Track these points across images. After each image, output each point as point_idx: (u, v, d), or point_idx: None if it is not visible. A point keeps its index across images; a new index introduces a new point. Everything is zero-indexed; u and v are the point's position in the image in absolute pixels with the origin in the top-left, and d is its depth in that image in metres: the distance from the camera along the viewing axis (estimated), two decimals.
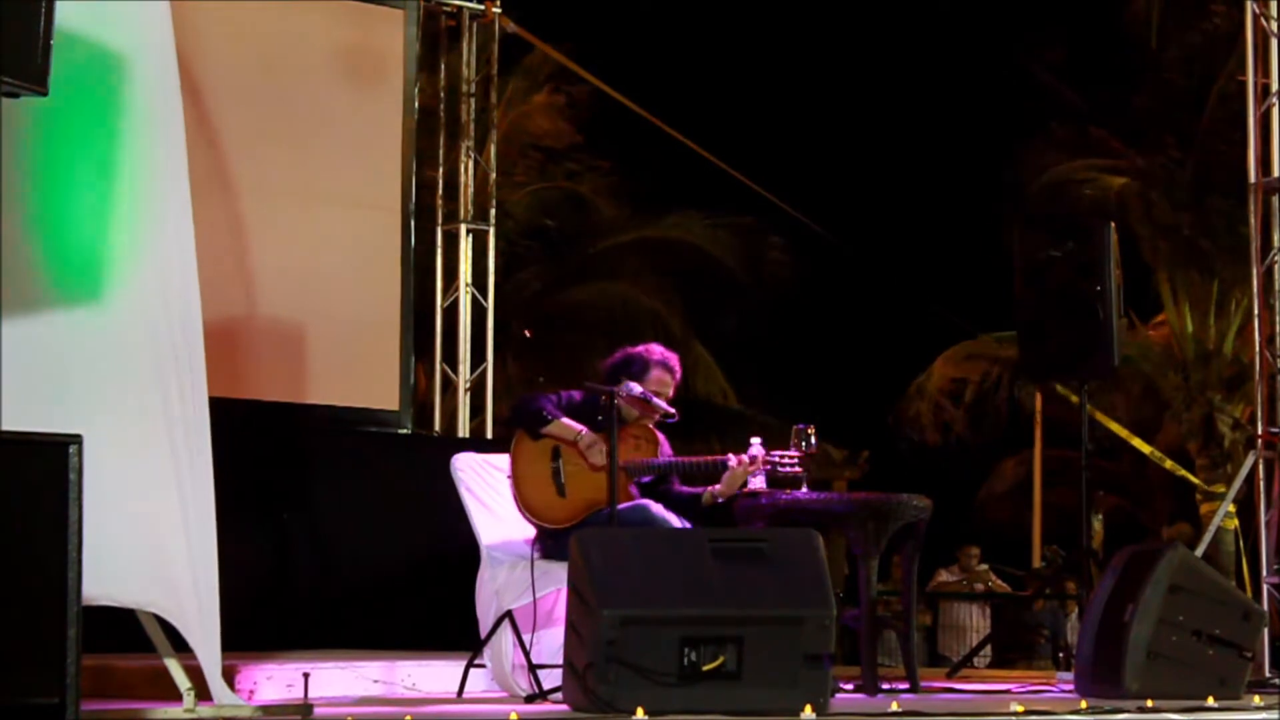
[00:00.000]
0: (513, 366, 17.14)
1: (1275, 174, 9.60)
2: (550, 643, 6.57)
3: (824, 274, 17.78)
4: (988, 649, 13.18)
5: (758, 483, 6.96)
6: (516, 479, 6.84)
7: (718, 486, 6.95)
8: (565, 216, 18.24)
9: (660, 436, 6.97)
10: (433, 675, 7.14)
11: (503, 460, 7.00)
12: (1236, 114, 11.24)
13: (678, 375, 7.01)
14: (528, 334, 17.28)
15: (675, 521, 6.71)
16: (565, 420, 6.82)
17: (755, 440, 6.96)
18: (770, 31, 22.19)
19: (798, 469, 6.87)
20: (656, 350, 7.04)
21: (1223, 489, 14.99)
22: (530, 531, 6.89)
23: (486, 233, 10.87)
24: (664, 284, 18.32)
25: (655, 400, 6.86)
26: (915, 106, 20.93)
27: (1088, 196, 17.14)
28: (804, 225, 12.28)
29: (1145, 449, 13.67)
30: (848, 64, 21.10)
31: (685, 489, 7.01)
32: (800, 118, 21.59)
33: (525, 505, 6.82)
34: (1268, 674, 8.53)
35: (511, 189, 16.92)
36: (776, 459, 6.85)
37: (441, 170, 11.19)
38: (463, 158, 10.91)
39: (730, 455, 6.91)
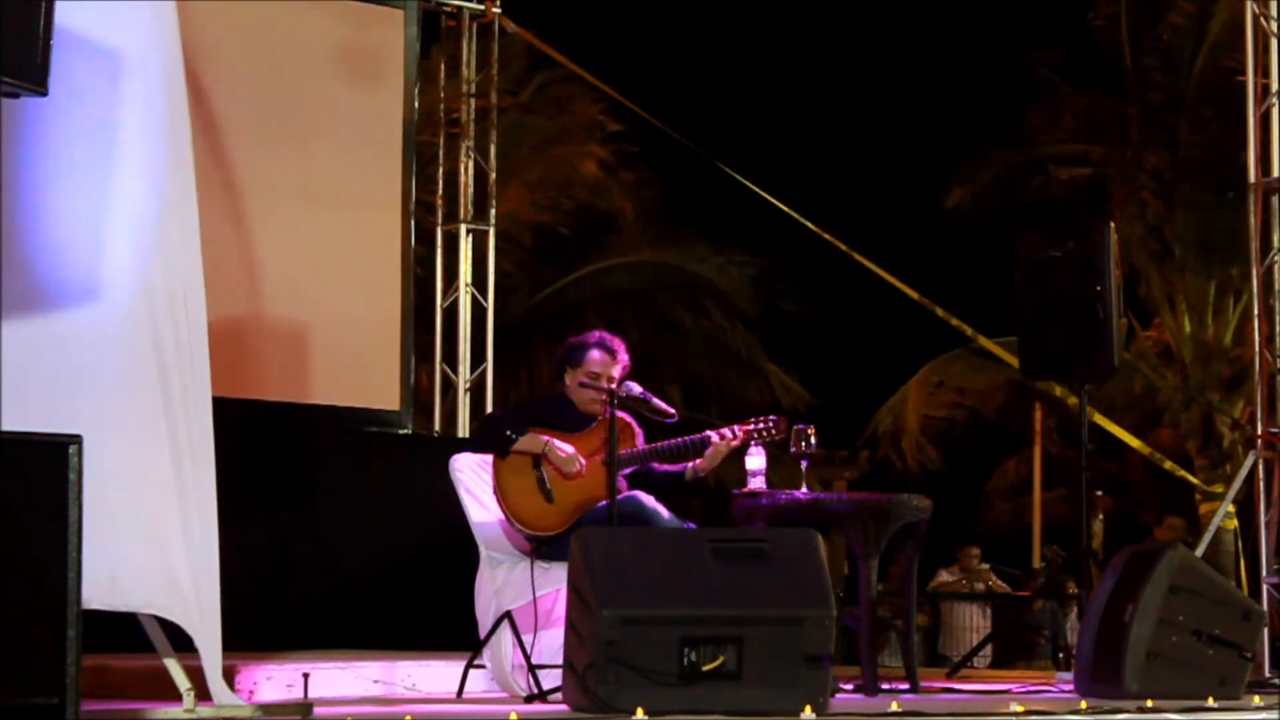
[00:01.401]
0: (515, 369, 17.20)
1: (1275, 174, 9.60)
2: (550, 643, 6.56)
3: (835, 281, 17.82)
4: (988, 649, 13.19)
5: (757, 483, 6.96)
6: (503, 492, 6.82)
7: (699, 462, 6.93)
8: (576, 226, 18.29)
9: (636, 427, 6.95)
10: (433, 675, 7.14)
11: None
12: (1231, 112, 11.25)
13: (620, 356, 6.97)
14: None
15: (665, 512, 6.69)
16: (530, 434, 6.81)
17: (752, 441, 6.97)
18: (770, 34, 22.20)
19: (773, 435, 6.85)
20: (594, 334, 7.04)
21: (1222, 489, 14.99)
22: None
23: (486, 233, 10.87)
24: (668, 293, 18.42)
25: (655, 401, 6.86)
26: (916, 106, 20.93)
27: (1085, 198, 17.15)
28: (810, 239, 12.27)
29: (1144, 449, 13.65)
30: (845, 67, 21.11)
31: (667, 467, 7.00)
32: (800, 120, 21.61)
33: (516, 517, 6.80)
34: (1268, 674, 8.54)
35: (520, 193, 16.96)
36: (755, 425, 6.84)
37: (441, 170, 11.19)
38: (463, 158, 10.91)
39: (711, 432, 6.90)
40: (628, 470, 6.90)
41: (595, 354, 6.93)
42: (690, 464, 6.98)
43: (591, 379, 6.86)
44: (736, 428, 6.90)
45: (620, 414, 6.89)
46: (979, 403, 19.13)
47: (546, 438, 6.80)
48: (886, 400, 19.41)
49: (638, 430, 6.95)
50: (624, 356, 6.97)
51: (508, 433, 6.81)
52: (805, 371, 19.30)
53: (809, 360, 19.53)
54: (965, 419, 19.21)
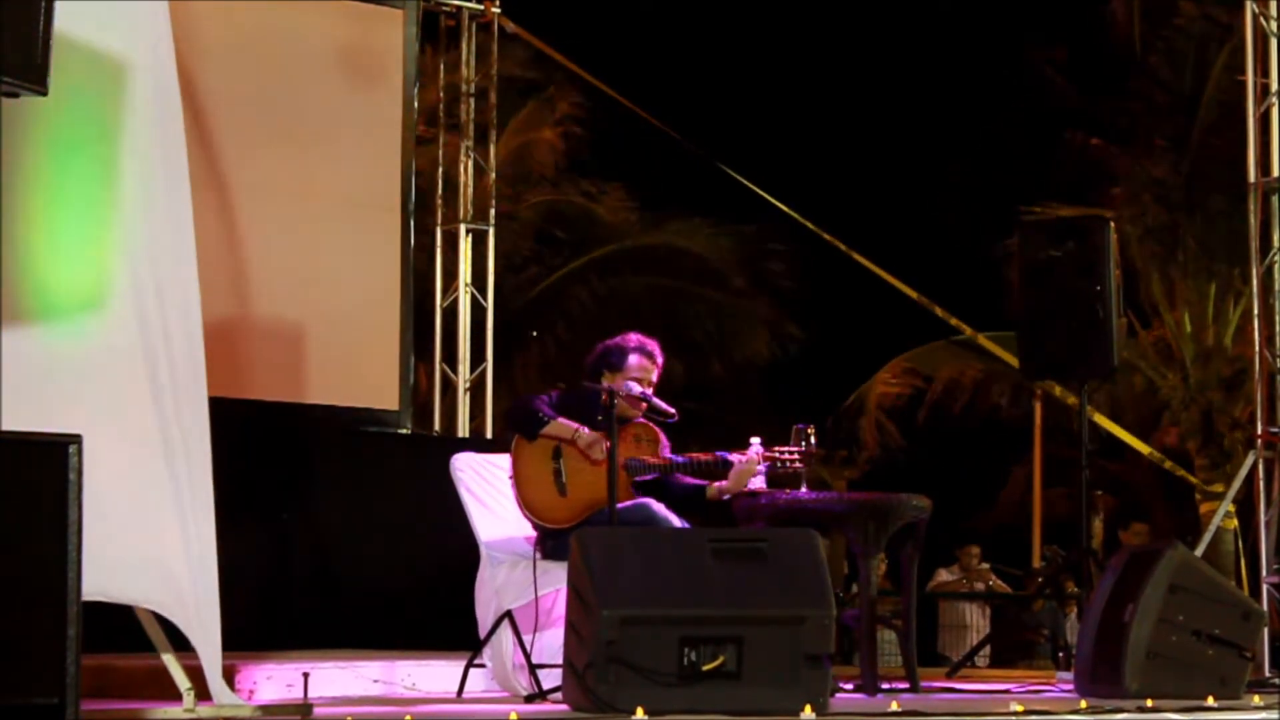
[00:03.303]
0: (515, 367, 17.19)
1: (1275, 174, 9.60)
2: (551, 642, 6.57)
3: (825, 278, 17.81)
4: (987, 649, 13.18)
5: (757, 483, 6.96)
6: (518, 479, 6.83)
7: (724, 483, 6.92)
8: (568, 221, 18.28)
9: (661, 434, 6.96)
10: (433, 675, 7.14)
11: (503, 460, 7.01)
12: (1230, 112, 11.24)
13: (659, 359, 6.98)
14: (534, 334, 17.34)
15: (676, 521, 6.70)
16: (561, 420, 6.82)
17: (755, 440, 6.95)
18: (769, 32, 22.20)
19: (799, 465, 6.86)
20: (633, 337, 7.02)
21: (1222, 489, 14.98)
22: (530, 531, 6.89)
23: (486, 233, 10.87)
24: (665, 288, 18.41)
25: (656, 400, 6.86)
26: (916, 106, 20.94)
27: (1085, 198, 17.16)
28: (804, 230, 12.28)
29: (1144, 449, 13.66)
30: (847, 65, 21.11)
31: (689, 481, 6.99)
32: (800, 120, 21.60)
33: (527, 506, 6.81)
34: (1268, 674, 8.54)
35: (515, 192, 16.95)
36: (778, 454, 6.84)
37: (441, 170, 11.19)
38: (462, 158, 10.91)
39: (733, 453, 6.90)
40: (646, 478, 6.90)
41: (635, 359, 6.93)
42: (713, 483, 6.97)
43: (634, 382, 6.84)
44: (759, 452, 6.88)
45: (646, 421, 6.90)
46: (956, 393, 19.06)
47: (578, 425, 6.79)
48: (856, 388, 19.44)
49: (663, 440, 6.94)
50: (661, 359, 6.98)
51: (540, 415, 6.80)
52: (795, 361, 19.34)
53: (802, 355, 19.57)
54: (929, 400, 19.12)
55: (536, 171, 18.05)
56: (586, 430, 6.78)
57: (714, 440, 7.41)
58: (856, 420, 19.00)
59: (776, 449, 6.87)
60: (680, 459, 6.89)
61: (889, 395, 19.09)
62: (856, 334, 19.97)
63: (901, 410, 19.11)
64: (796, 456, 6.84)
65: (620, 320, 15.24)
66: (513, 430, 6.94)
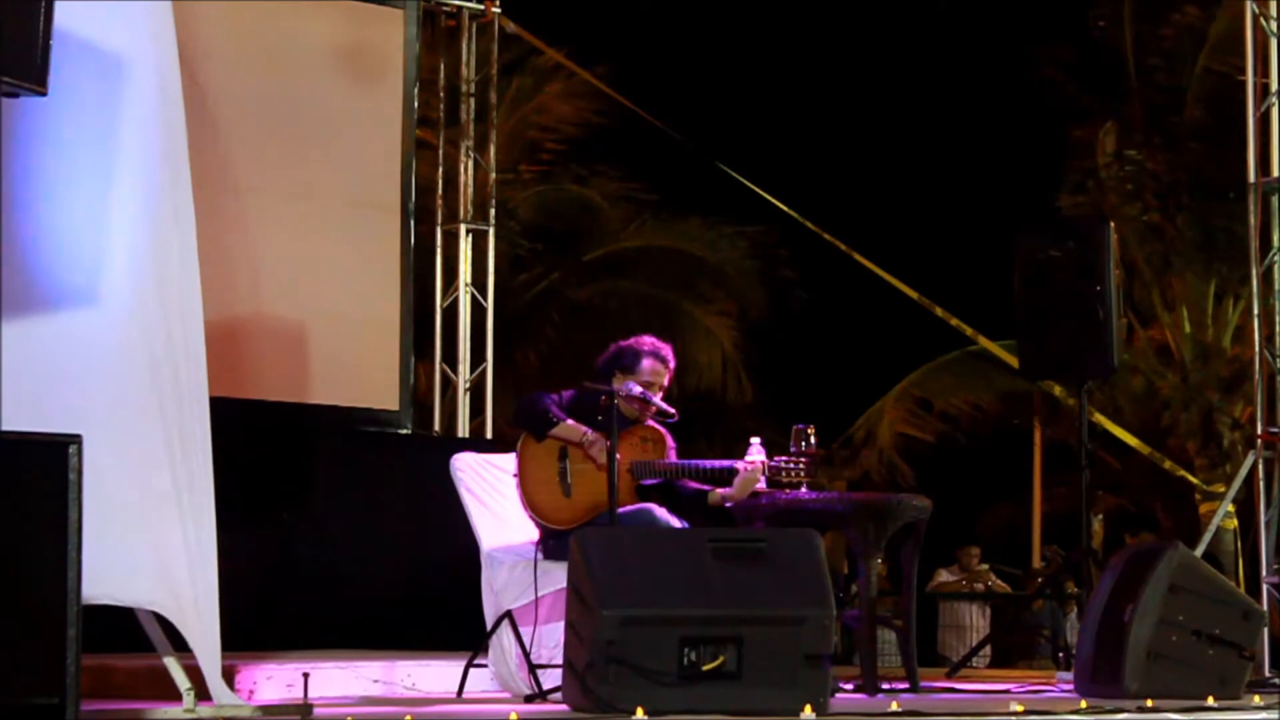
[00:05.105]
0: (515, 367, 17.18)
1: (1275, 174, 9.61)
2: (553, 636, 6.56)
3: (832, 281, 17.80)
4: (987, 649, 13.19)
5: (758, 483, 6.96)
6: (523, 479, 6.82)
7: (729, 490, 6.91)
8: (570, 218, 18.26)
9: (668, 437, 6.95)
10: (433, 675, 7.14)
11: (503, 460, 7.01)
12: (1231, 112, 11.24)
13: (671, 364, 6.98)
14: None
15: (678, 525, 6.69)
16: (570, 422, 6.81)
17: (755, 440, 6.95)
18: (771, 34, 22.20)
19: (803, 475, 6.85)
20: (647, 341, 7.01)
21: (1222, 489, 14.99)
22: (530, 532, 6.88)
23: (486, 233, 10.88)
24: (667, 288, 18.40)
25: (655, 400, 6.85)
26: (917, 109, 20.94)
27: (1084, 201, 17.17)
28: (804, 233, 12.29)
29: (1144, 449, 13.66)
30: (849, 67, 21.11)
31: (693, 485, 6.99)
32: (802, 122, 21.60)
33: (531, 506, 6.80)
34: (1268, 674, 8.54)
35: (517, 189, 16.93)
36: (782, 464, 6.83)
37: (441, 170, 11.19)
38: (463, 158, 10.92)
39: (739, 461, 6.89)
40: (651, 482, 6.89)
41: (648, 363, 6.91)
42: (717, 489, 6.96)
43: (645, 387, 6.84)
44: (763, 461, 6.87)
45: (653, 424, 6.89)
46: (967, 420, 19.01)
47: (586, 429, 6.79)
48: (865, 410, 19.35)
49: (670, 442, 6.93)
50: (673, 364, 6.98)
51: (549, 415, 6.79)
52: (794, 371, 19.31)
53: (799, 359, 19.54)
54: (944, 436, 19.04)
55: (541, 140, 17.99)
56: (593, 433, 6.77)
57: (714, 442, 7.40)
58: (860, 450, 18.91)
59: (779, 458, 6.85)
60: (686, 463, 6.87)
61: (896, 430, 18.97)
62: (861, 350, 19.98)
63: (910, 446, 19.00)
64: (801, 466, 6.82)
65: (621, 323, 15.28)
66: (521, 428, 6.93)
